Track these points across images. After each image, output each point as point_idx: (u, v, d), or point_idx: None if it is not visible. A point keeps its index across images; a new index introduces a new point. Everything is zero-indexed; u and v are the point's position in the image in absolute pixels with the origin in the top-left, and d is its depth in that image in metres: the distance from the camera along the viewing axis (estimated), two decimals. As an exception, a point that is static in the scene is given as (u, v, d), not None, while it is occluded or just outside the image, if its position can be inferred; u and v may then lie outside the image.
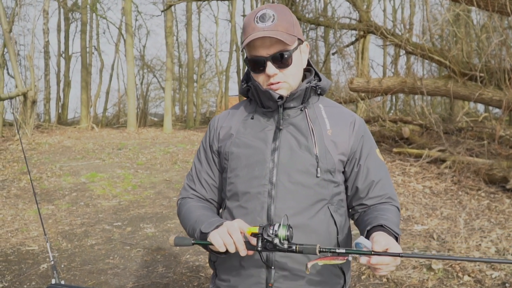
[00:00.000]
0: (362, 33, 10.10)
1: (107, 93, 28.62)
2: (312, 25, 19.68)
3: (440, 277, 3.67)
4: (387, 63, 21.54)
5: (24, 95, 12.97)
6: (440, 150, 7.86)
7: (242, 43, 1.36)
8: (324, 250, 1.16)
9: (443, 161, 7.42)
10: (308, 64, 1.50)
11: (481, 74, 6.96)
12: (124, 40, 19.05)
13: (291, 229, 1.19)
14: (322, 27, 19.57)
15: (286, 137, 1.42)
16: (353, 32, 11.56)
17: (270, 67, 1.35)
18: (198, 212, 1.48)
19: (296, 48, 1.38)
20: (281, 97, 1.40)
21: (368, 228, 1.27)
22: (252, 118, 1.49)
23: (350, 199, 1.49)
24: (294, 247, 1.18)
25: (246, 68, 1.58)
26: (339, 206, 1.46)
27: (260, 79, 1.40)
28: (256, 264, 1.37)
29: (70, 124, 21.21)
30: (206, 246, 1.34)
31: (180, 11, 42.19)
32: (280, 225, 1.18)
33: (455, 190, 6.45)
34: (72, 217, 5.88)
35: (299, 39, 1.40)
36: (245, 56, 1.43)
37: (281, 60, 1.35)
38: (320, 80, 1.49)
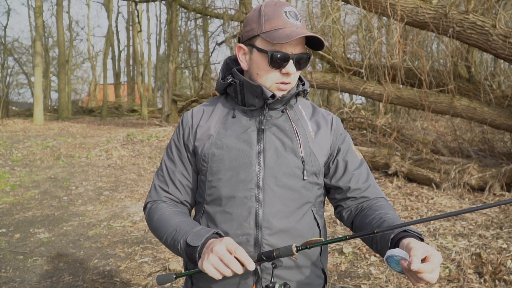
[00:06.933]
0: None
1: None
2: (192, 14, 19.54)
3: (351, 260, 3.95)
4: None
5: None
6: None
7: (265, 32, 1.29)
8: (300, 248, 1.16)
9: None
10: None
11: (361, 70, 7.57)
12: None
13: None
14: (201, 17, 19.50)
15: (271, 139, 1.38)
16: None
17: (291, 66, 1.31)
18: (177, 218, 1.36)
19: None
20: (273, 95, 1.35)
21: (392, 236, 1.21)
22: (233, 117, 1.42)
23: (333, 195, 1.49)
24: (272, 254, 1.18)
25: (223, 63, 1.50)
26: (320, 208, 1.47)
27: (271, 75, 1.33)
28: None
29: None
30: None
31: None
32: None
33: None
34: None
35: None
36: (250, 45, 1.36)
37: (302, 62, 1.33)
38: (303, 83, 1.47)
